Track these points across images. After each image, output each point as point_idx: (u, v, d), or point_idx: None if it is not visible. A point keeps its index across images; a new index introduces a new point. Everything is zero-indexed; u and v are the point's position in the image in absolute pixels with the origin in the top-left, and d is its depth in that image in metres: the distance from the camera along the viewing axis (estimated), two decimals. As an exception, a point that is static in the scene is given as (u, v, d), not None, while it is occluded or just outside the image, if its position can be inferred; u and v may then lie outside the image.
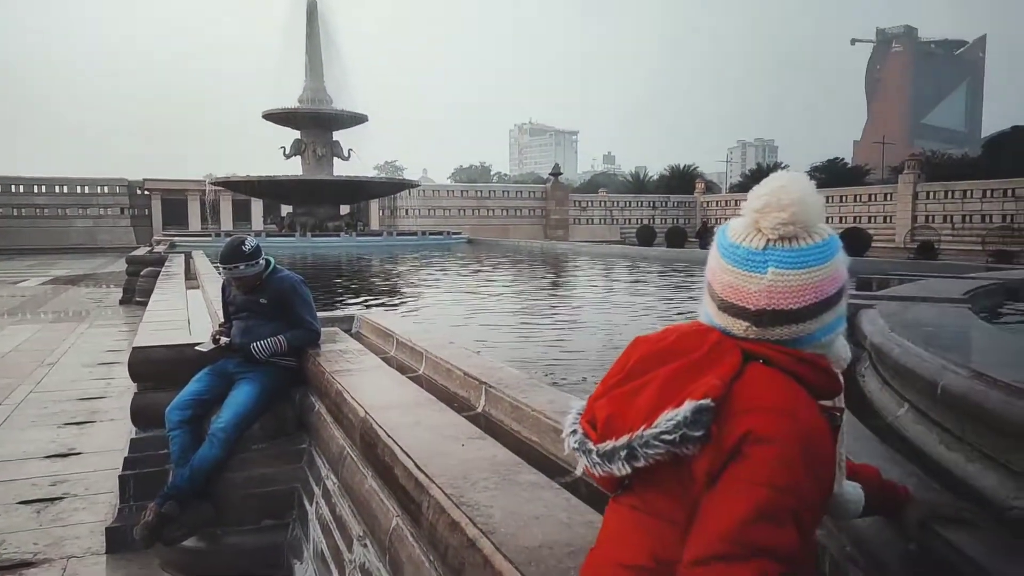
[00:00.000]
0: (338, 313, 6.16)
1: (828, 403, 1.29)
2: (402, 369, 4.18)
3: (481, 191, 47.58)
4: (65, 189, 38.49)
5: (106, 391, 7.25)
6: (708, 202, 49.43)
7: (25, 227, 36.70)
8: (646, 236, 36.49)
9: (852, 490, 1.44)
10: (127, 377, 4.53)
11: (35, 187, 38.00)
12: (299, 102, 30.75)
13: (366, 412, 2.92)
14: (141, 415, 4.32)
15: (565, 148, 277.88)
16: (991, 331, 3.48)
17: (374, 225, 38.77)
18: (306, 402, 4.13)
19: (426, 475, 2.18)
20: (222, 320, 4.54)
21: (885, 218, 36.53)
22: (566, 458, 2.63)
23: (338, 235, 28.04)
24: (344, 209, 32.10)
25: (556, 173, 47.14)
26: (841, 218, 37.06)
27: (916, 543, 1.53)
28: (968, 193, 33.24)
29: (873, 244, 28.09)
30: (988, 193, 32.45)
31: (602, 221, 47.28)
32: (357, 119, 30.81)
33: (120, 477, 4.20)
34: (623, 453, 1.18)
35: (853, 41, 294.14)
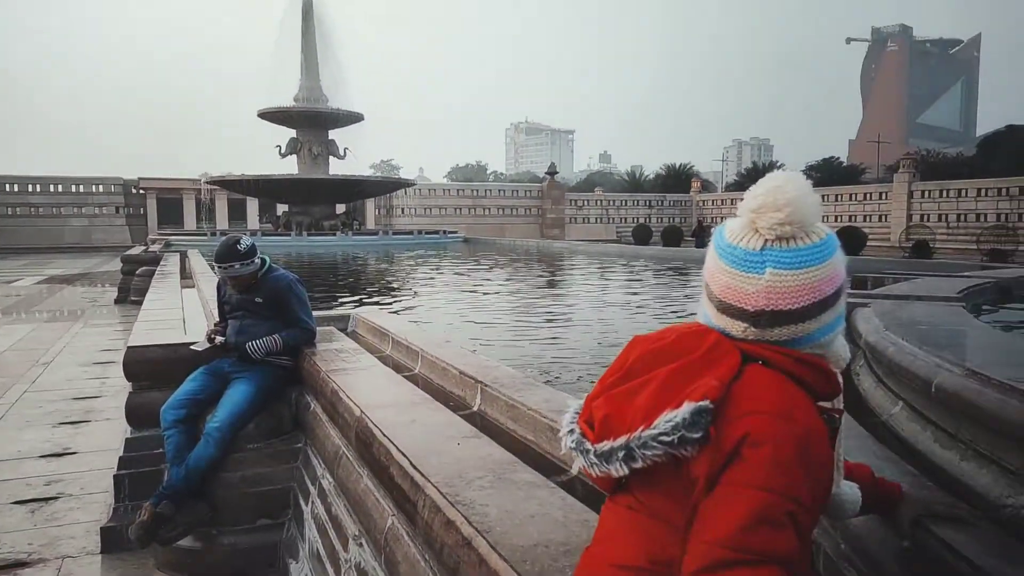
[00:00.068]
0: (334, 312, 6.16)
1: (827, 405, 1.29)
2: (398, 368, 4.17)
3: (477, 190, 47.53)
4: (60, 188, 38.33)
5: (101, 390, 7.23)
6: (704, 201, 49.47)
7: (20, 226, 36.55)
8: (642, 235, 36.51)
9: (849, 490, 1.44)
10: (122, 376, 4.52)
11: (30, 186, 37.83)
12: (295, 101, 30.68)
13: (362, 411, 2.92)
14: (136, 414, 4.31)
15: (561, 147, 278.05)
16: (985, 330, 3.49)
17: (370, 224, 38.70)
18: (302, 401, 4.12)
19: (421, 474, 2.17)
20: (217, 319, 4.53)
21: (880, 217, 36.60)
22: (562, 457, 2.63)
23: (334, 234, 27.98)
24: (340, 208, 32.04)
25: (552, 172, 47.13)
26: (836, 217, 37.11)
27: (910, 541, 1.53)
28: (963, 192, 33.30)
29: (868, 243, 28.17)
30: (983, 192, 32.51)
31: (598, 220, 47.27)
32: (353, 118, 30.76)
33: (115, 476, 4.19)
34: (621, 454, 1.18)
35: (848, 40, 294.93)
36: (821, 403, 1.26)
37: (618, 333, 7.79)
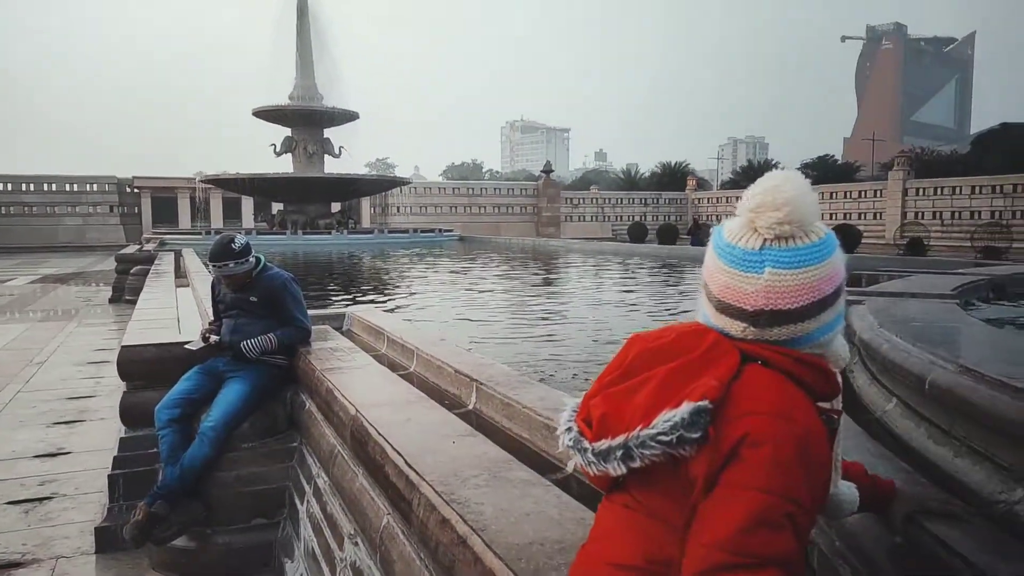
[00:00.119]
0: (329, 311, 6.15)
1: (826, 405, 1.28)
2: (393, 367, 4.17)
3: (473, 188, 47.49)
4: (54, 187, 38.17)
5: (95, 390, 7.21)
6: (699, 199, 49.52)
7: (13, 225, 36.38)
8: (638, 233, 36.55)
9: (847, 490, 1.44)
10: (116, 376, 4.50)
11: (23, 185, 37.68)
12: (290, 99, 30.60)
13: (357, 410, 2.92)
14: (130, 414, 4.30)
15: (557, 145, 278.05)
16: (979, 326, 3.50)
17: (365, 223, 38.64)
18: (297, 400, 4.11)
19: (417, 473, 2.17)
20: (212, 318, 4.52)
21: (875, 215, 36.70)
22: (557, 455, 2.63)
23: (329, 233, 27.93)
24: (335, 207, 32.00)
25: (548, 170, 47.13)
26: (831, 215, 37.20)
27: (903, 537, 1.53)
28: (957, 190, 33.42)
29: (863, 241, 28.24)
30: (977, 190, 32.63)
31: (594, 218, 47.28)
32: (348, 116, 30.68)
33: (109, 476, 4.18)
34: (619, 453, 1.17)
35: (843, 38, 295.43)
36: (820, 403, 1.26)
37: (613, 331, 7.79)
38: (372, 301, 10.47)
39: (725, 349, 1.22)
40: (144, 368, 4.35)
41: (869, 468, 1.59)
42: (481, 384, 3.33)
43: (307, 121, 30.46)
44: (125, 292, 13.75)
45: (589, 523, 1.37)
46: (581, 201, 48.34)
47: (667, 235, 34.78)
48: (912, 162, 38.62)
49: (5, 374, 7.89)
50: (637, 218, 45.07)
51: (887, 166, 42.63)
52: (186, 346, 4.24)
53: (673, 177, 55.34)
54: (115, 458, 4.23)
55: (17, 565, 3.78)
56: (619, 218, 46.91)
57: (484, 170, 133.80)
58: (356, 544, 2.67)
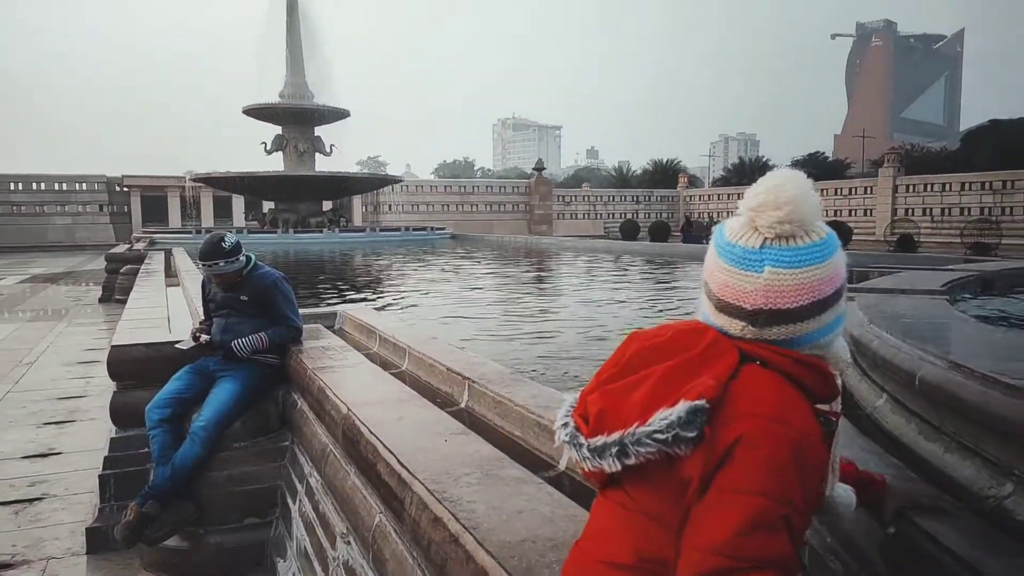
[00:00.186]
0: (321, 310, 6.13)
1: (824, 407, 1.28)
2: (385, 365, 4.16)
3: (465, 186, 47.42)
4: (43, 186, 37.91)
5: (86, 390, 7.17)
6: (691, 196, 49.61)
7: (2, 225, 36.12)
8: (630, 231, 36.60)
9: (844, 493, 1.43)
10: (107, 376, 4.48)
11: (11, 184, 37.41)
12: (280, 97, 30.44)
13: (348, 409, 2.91)
14: (121, 414, 4.28)
15: (548, 143, 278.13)
16: (969, 322, 3.52)
17: (357, 221, 38.52)
18: (288, 399, 4.10)
19: (409, 471, 2.17)
20: (202, 318, 4.51)
21: (865, 211, 36.85)
22: (549, 453, 2.63)
23: (320, 231, 27.82)
24: (327, 205, 31.86)
25: (540, 168, 47.09)
26: (822, 211, 37.29)
27: (893, 527, 1.54)
28: (947, 186, 33.59)
29: (854, 237, 28.39)
30: (966, 186, 32.81)
31: (586, 216, 47.31)
32: (339, 114, 30.56)
33: (100, 477, 4.16)
34: (614, 450, 1.17)
35: (834, 36, 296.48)
36: (819, 406, 1.26)
37: (605, 328, 7.80)
38: (364, 299, 10.45)
39: (724, 348, 1.22)
40: (134, 368, 4.33)
41: (860, 464, 1.60)
42: (473, 382, 3.33)
43: (298, 119, 30.31)
44: (115, 291, 13.68)
45: (581, 520, 1.37)
46: (573, 199, 48.36)
47: (659, 232, 34.86)
48: (902, 159, 38.79)
49: (-6, 374, 7.84)
50: (629, 216, 45.13)
51: (877, 163, 42.77)
52: (176, 345, 4.22)
53: (665, 174, 55.44)
54: (106, 458, 4.21)
55: (7, 566, 3.75)
56: (611, 216, 46.95)
57: (476, 168, 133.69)
58: (348, 543, 2.66)
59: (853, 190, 38.38)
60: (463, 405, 3.35)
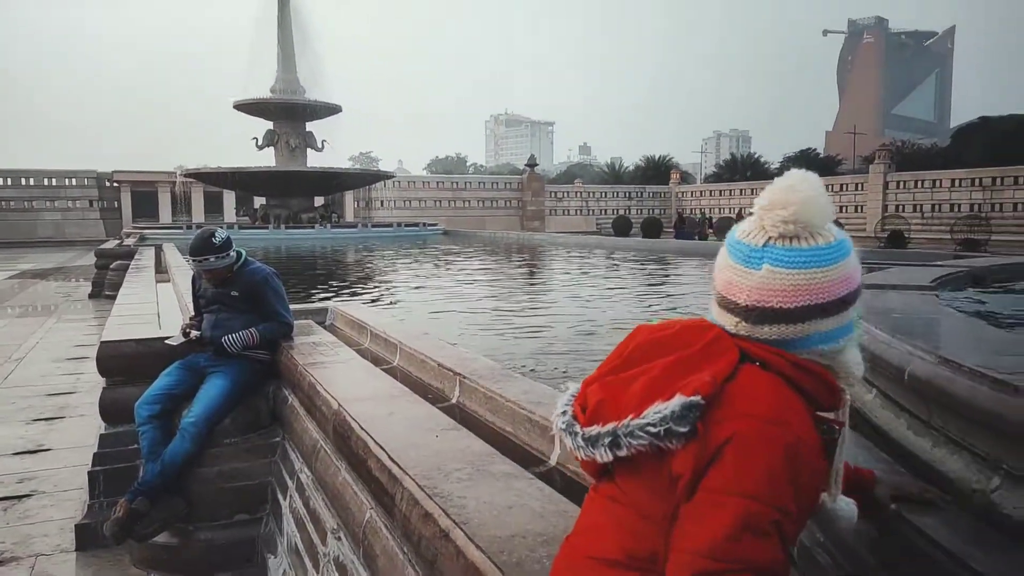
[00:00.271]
0: (312, 305, 6.11)
1: (829, 415, 1.27)
2: (376, 361, 4.15)
3: (457, 182, 47.40)
4: (32, 181, 37.65)
5: (75, 386, 7.13)
6: (683, 192, 49.71)
7: (-10, 220, 35.91)
8: (622, 227, 36.57)
9: (846, 507, 1.41)
10: (96, 372, 4.46)
11: (0, 179, 37.14)
12: (271, 92, 30.31)
13: (339, 404, 2.90)
14: (110, 410, 4.26)
15: (541, 139, 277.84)
16: (958, 318, 3.53)
17: (349, 217, 38.42)
18: (279, 395, 4.09)
19: (399, 467, 2.16)
20: (192, 313, 4.48)
21: (856, 207, 36.99)
22: (540, 448, 2.63)
23: (312, 227, 27.76)
24: (318, 201, 31.79)
25: (532, 164, 47.10)
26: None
27: (883, 522, 1.55)
28: (937, 183, 33.79)
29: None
30: (956, 182, 33.01)
31: (578, 212, 47.35)
32: (331, 110, 30.45)
33: (90, 473, 4.14)
34: (607, 440, 1.17)
35: (825, 32, 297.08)
36: (822, 413, 1.24)
37: (597, 323, 7.81)
38: (355, 295, 10.43)
39: (725, 346, 1.22)
40: (124, 364, 4.31)
41: (850, 459, 1.60)
42: (464, 378, 3.32)
43: (289, 114, 30.19)
44: (105, 287, 13.62)
45: (572, 515, 1.37)
46: (565, 195, 48.39)
47: (651, 229, 34.80)
48: (893, 155, 39.00)
49: (-17, 371, 7.79)
50: (621, 212, 45.15)
51: (868, 159, 42.99)
52: (167, 341, 4.20)
53: (657, 171, 55.57)
54: (95, 454, 4.19)
55: (-4, 564, 3.73)
56: (603, 212, 46.99)
57: (468, 164, 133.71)
58: (339, 539, 2.66)
59: (844, 186, 38.51)
60: (454, 401, 3.35)
